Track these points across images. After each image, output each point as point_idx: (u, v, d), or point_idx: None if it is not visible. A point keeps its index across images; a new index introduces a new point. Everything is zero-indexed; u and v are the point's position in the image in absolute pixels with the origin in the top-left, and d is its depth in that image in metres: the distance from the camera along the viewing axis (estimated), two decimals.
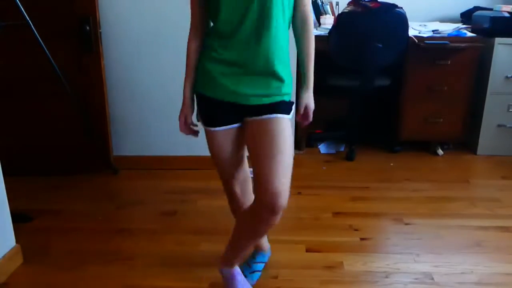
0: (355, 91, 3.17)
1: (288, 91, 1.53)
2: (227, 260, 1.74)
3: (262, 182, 1.43)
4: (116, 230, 2.30)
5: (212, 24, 1.52)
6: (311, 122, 1.69)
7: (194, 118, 1.61)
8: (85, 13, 2.63)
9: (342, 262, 2.00)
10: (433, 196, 2.63)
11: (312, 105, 1.62)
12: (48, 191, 2.73)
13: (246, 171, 1.71)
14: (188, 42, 1.54)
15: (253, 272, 1.89)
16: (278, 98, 1.49)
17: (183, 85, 1.57)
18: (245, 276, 1.81)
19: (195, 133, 1.63)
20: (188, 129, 1.61)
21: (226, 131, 1.55)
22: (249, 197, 1.72)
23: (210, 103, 1.53)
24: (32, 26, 2.43)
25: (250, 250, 1.89)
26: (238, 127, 1.56)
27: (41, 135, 2.85)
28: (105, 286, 1.89)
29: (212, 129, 1.55)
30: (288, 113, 1.52)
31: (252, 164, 1.50)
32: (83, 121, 2.80)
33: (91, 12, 2.63)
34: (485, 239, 2.19)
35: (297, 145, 3.22)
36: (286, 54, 1.50)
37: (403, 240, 2.19)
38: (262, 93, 1.47)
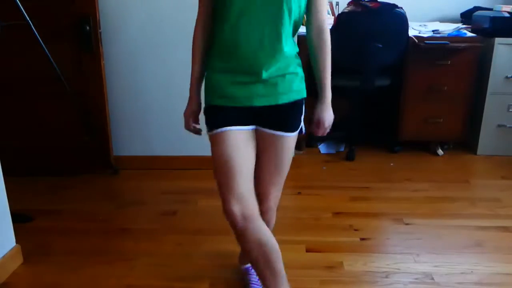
0: (355, 91, 3.17)
1: (302, 86, 1.47)
2: None
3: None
4: (116, 230, 2.30)
5: (216, 33, 1.43)
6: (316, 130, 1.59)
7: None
8: (85, 13, 2.63)
9: (342, 262, 2.00)
10: (433, 196, 2.63)
11: (325, 118, 1.51)
12: (48, 191, 2.73)
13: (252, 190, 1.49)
14: (195, 38, 1.46)
15: None
16: (292, 97, 1.44)
17: (190, 83, 1.51)
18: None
19: (200, 132, 1.57)
20: (194, 128, 1.55)
21: (240, 132, 1.44)
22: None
23: (222, 108, 1.44)
24: (32, 26, 2.43)
25: None
26: (253, 130, 1.48)
27: (41, 135, 2.85)
28: (105, 286, 1.89)
29: (226, 128, 1.42)
30: (297, 129, 1.49)
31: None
32: (83, 121, 2.80)
33: (91, 12, 2.63)
34: (485, 239, 2.19)
35: (297, 145, 3.17)
36: (294, 52, 1.45)
37: (403, 240, 2.19)
38: (279, 91, 1.42)
